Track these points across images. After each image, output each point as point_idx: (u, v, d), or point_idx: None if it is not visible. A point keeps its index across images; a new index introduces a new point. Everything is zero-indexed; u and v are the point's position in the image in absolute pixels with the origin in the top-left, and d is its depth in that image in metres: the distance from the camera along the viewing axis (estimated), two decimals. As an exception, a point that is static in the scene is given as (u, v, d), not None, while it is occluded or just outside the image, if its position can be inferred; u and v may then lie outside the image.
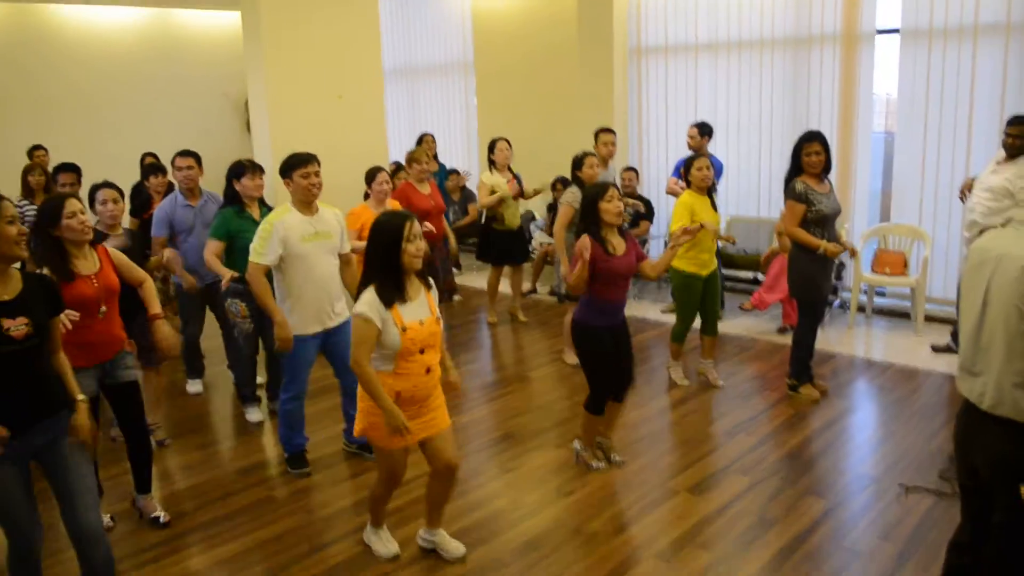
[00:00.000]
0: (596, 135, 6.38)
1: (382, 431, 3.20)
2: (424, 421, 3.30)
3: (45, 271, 3.30)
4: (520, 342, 6.86)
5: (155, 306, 3.84)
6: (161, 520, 4.00)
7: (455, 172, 9.00)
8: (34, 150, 7.80)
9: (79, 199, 3.52)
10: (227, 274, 4.62)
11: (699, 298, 5.36)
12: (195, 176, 5.28)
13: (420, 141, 8.36)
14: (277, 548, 3.77)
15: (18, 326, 2.68)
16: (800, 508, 3.94)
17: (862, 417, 5.14)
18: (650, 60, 8.37)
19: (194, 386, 5.85)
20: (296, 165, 4.12)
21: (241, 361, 5.20)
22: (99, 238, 4.00)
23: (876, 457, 4.53)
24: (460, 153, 10.49)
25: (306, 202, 4.17)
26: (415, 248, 3.12)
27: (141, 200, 6.50)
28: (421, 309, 3.21)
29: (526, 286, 7.98)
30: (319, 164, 4.19)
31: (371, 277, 3.15)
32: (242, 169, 4.84)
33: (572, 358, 5.95)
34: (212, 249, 4.75)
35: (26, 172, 6.08)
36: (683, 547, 3.64)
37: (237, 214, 4.82)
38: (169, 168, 5.57)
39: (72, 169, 5.80)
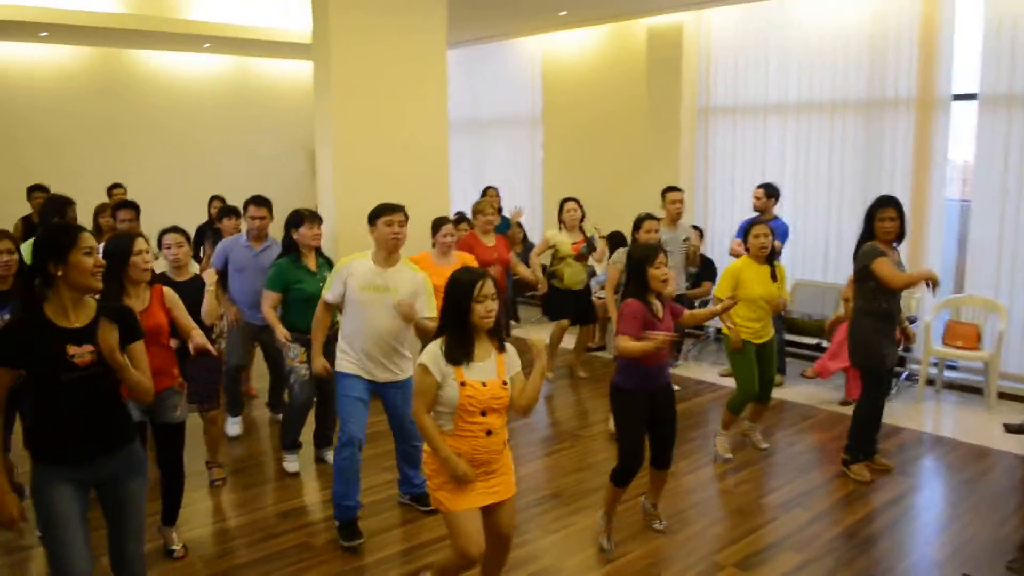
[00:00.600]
0: (663, 194, 6.33)
1: (448, 494, 3.10)
2: (488, 487, 3.15)
3: (124, 302, 3.45)
4: (577, 398, 6.77)
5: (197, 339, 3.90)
6: (175, 554, 4.07)
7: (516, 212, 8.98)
8: (113, 188, 8.09)
9: (144, 238, 3.70)
10: (281, 333, 4.75)
11: (753, 365, 5.15)
12: (266, 226, 5.47)
13: (484, 194, 8.44)
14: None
15: (83, 354, 2.69)
16: (854, 591, 3.74)
17: (927, 497, 4.89)
18: (718, 120, 8.33)
19: (233, 427, 5.83)
20: (381, 213, 4.15)
21: (293, 407, 5.11)
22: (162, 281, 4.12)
23: (940, 541, 4.29)
24: (524, 208, 10.51)
25: (387, 251, 4.16)
26: (485, 309, 3.06)
27: (203, 241, 6.73)
28: (488, 371, 3.11)
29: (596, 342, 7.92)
30: (406, 216, 4.20)
31: (442, 331, 3.14)
32: (300, 219, 4.89)
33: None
34: (269, 301, 4.84)
35: (97, 212, 6.29)
36: (726, 627, 3.49)
37: (293, 263, 4.88)
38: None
39: (131, 207, 5.99)
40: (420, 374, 3.08)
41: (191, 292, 4.38)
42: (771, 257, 5.17)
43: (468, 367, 3.06)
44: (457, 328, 3.08)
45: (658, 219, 5.73)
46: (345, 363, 4.20)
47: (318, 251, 5.06)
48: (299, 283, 4.83)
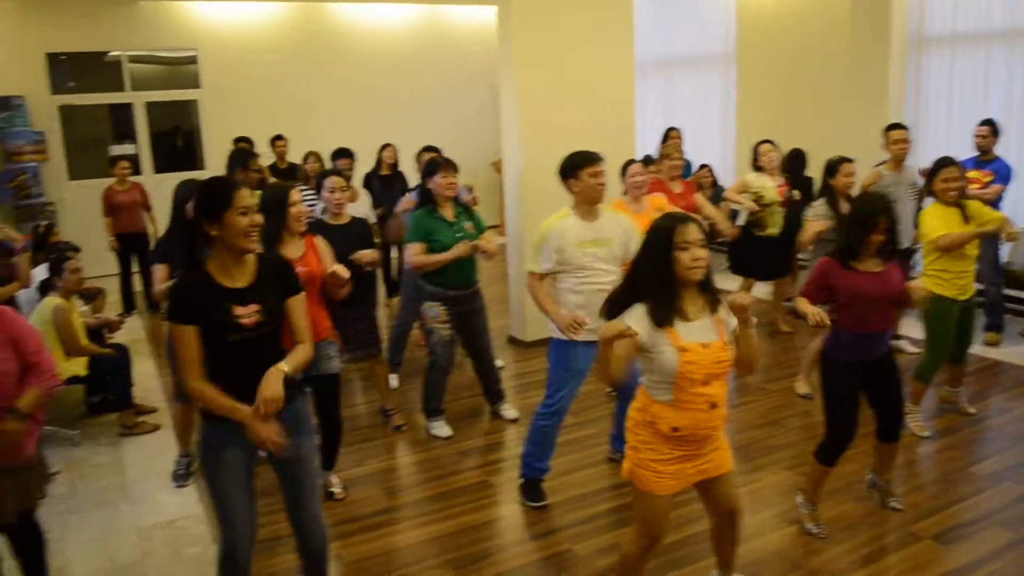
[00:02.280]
0: (886, 132, 5.77)
1: (651, 473, 2.79)
2: (698, 465, 2.82)
3: (279, 251, 3.59)
4: (770, 351, 6.45)
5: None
6: (336, 495, 4.22)
7: (705, 166, 8.64)
8: (276, 140, 8.49)
9: (343, 180, 3.84)
10: (439, 258, 4.59)
11: (953, 328, 4.58)
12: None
13: (666, 136, 8.13)
14: (484, 534, 3.84)
15: (249, 314, 2.66)
16: (1074, 577, 3.37)
17: None
18: (933, 50, 7.56)
19: (392, 382, 5.71)
20: (583, 163, 3.84)
21: (434, 371, 4.93)
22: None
23: None
24: (715, 151, 10.09)
25: (590, 203, 3.89)
26: (690, 257, 2.63)
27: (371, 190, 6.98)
28: (706, 331, 2.72)
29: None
30: (604, 163, 3.91)
31: (642, 291, 2.73)
32: (435, 167, 4.71)
33: (802, 387, 5.45)
34: (415, 251, 4.66)
35: (304, 160, 6.68)
36: (919, 602, 3.25)
37: (429, 214, 4.71)
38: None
39: (348, 154, 6.28)
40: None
41: (348, 236, 4.43)
42: (993, 207, 4.57)
43: (683, 328, 2.68)
44: (660, 283, 2.68)
45: (852, 161, 5.20)
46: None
47: (456, 200, 4.83)
48: (436, 235, 4.65)
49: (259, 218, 2.70)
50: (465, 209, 4.86)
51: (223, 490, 2.76)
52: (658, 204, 5.06)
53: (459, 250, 4.62)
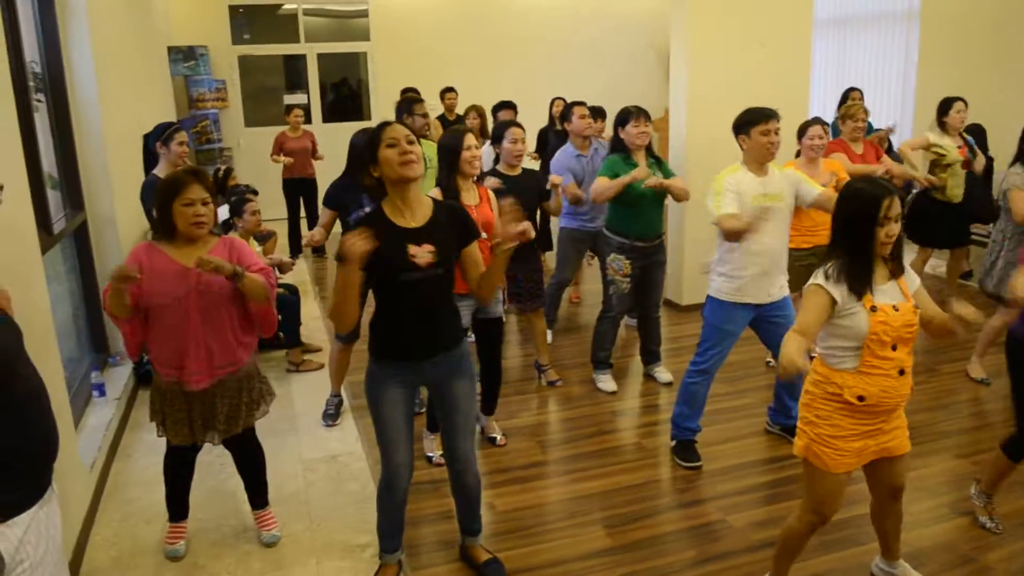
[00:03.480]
0: None
1: (830, 451, 2.68)
2: (881, 443, 2.72)
3: (458, 195, 3.70)
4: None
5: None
6: (497, 441, 4.34)
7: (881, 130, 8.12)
8: (446, 92, 8.59)
9: (477, 135, 3.88)
10: (620, 181, 4.51)
11: None
12: (599, 128, 5.38)
13: (847, 96, 7.68)
14: (636, 496, 3.83)
15: (424, 253, 2.68)
16: None
17: None
18: None
19: (548, 337, 5.63)
20: (756, 121, 3.77)
21: (606, 321, 4.99)
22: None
23: None
24: (893, 113, 9.49)
25: (761, 162, 3.82)
26: (887, 233, 2.55)
27: (548, 143, 6.94)
28: (894, 294, 2.63)
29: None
30: (778, 121, 3.83)
31: (835, 254, 2.65)
32: (627, 116, 4.64)
33: (978, 371, 5.08)
34: (599, 182, 4.63)
35: (464, 115, 6.78)
36: (1109, 612, 3.00)
37: (624, 160, 4.64)
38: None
39: (511, 106, 6.31)
40: (814, 290, 2.61)
41: (522, 187, 4.47)
42: None
43: (874, 290, 2.61)
44: (857, 252, 2.59)
45: None
46: (728, 288, 3.89)
47: (648, 150, 4.74)
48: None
49: (416, 148, 2.68)
50: (657, 160, 4.80)
51: (387, 421, 2.88)
52: (833, 167, 4.84)
53: (640, 173, 4.51)
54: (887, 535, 3.07)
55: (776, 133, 3.78)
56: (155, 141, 4.95)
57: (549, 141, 7.20)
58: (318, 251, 8.37)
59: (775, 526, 3.37)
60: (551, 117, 7.60)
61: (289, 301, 5.46)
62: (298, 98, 10.59)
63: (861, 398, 2.62)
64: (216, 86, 10.06)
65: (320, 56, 10.78)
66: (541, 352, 5.23)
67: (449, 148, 3.85)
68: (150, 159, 5.10)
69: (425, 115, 5.74)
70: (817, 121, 4.87)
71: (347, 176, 4.37)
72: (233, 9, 10.32)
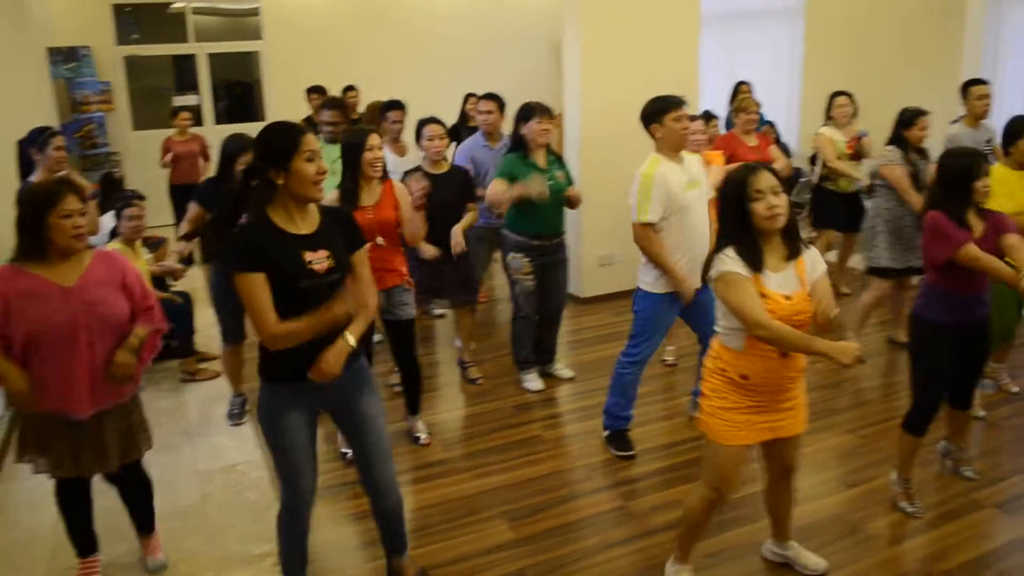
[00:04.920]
0: (966, 88, 5.53)
1: (721, 422, 2.76)
2: (773, 421, 2.77)
3: (357, 196, 3.65)
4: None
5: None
6: (422, 440, 4.31)
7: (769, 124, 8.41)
8: (347, 91, 8.48)
9: (381, 135, 3.87)
10: (514, 191, 4.45)
11: (1014, 300, 4.16)
12: (495, 120, 5.39)
13: (736, 90, 7.93)
14: (539, 488, 3.87)
15: (320, 259, 2.54)
16: None
17: None
18: (1015, 4, 7.20)
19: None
20: (668, 108, 3.77)
21: (518, 322, 4.93)
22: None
23: None
24: (780, 106, 9.81)
25: (677, 148, 3.84)
26: (765, 207, 2.58)
27: (460, 139, 6.89)
28: (789, 281, 2.66)
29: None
30: (688, 107, 3.87)
31: (725, 239, 2.70)
32: (530, 112, 4.56)
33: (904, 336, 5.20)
34: (495, 186, 4.52)
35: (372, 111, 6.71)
36: (978, 572, 3.18)
37: (522, 160, 4.55)
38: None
39: (400, 106, 6.23)
40: (736, 279, 2.60)
41: (448, 185, 4.48)
42: None
43: (767, 277, 2.63)
44: (739, 234, 2.64)
45: (928, 114, 5.01)
46: (655, 282, 3.89)
47: (549, 148, 4.72)
48: (525, 180, 4.48)
49: (325, 165, 2.58)
50: (557, 158, 4.77)
51: (289, 445, 2.68)
52: (709, 159, 4.92)
53: (533, 188, 4.44)
54: (779, 517, 3.18)
55: (688, 119, 3.82)
56: (31, 147, 4.73)
57: (461, 138, 7.18)
58: (187, 261, 8.09)
59: (675, 509, 3.46)
60: (463, 114, 7.57)
61: (181, 309, 5.29)
62: (189, 100, 10.27)
63: (745, 376, 2.70)
64: (101, 88, 9.65)
65: (211, 56, 10.47)
66: (465, 349, 5.21)
67: (352, 147, 3.78)
68: (26, 166, 4.87)
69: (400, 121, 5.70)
70: (695, 117, 5.00)
71: (218, 179, 4.28)
72: (118, 8, 9.92)
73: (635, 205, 3.80)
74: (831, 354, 2.50)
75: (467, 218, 4.68)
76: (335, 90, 8.59)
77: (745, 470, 3.07)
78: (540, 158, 4.61)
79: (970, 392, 3.62)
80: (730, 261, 2.62)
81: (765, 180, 2.59)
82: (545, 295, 4.86)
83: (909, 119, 5.00)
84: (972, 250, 3.19)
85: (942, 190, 3.36)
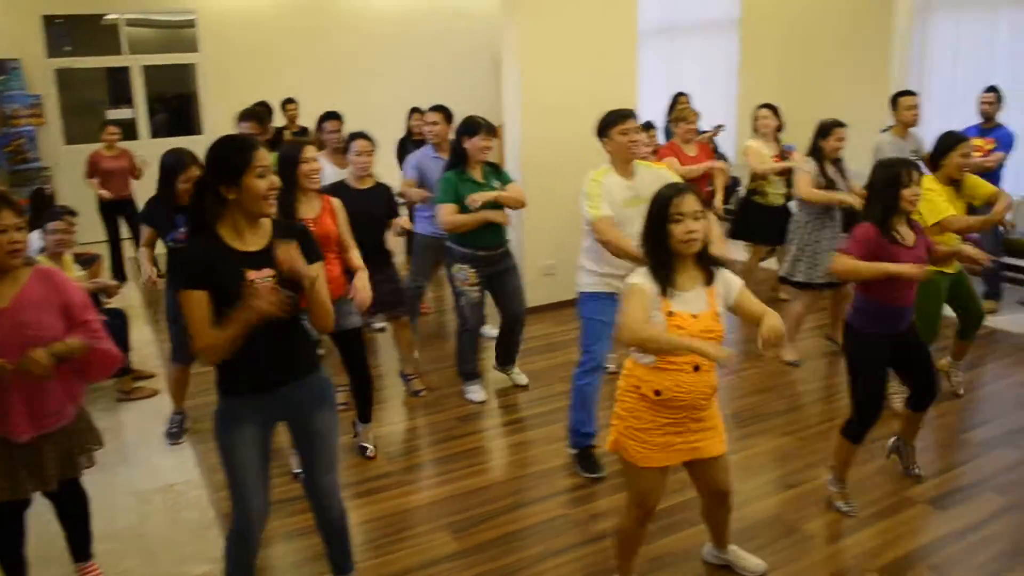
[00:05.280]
0: (895, 99, 5.71)
1: (637, 444, 2.78)
2: (689, 443, 2.78)
3: (295, 209, 3.60)
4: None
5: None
6: (368, 453, 4.27)
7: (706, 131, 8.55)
8: (287, 103, 8.44)
9: (331, 147, 3.84)
10: (473, 218, 4.49)
11: (940, 303, 4.37)
12: (442, 131, 5.40)
13: (675, 101, 8.05)
14: (483, 498, 3.87)
15: (264, 278, 2.48)
16: (1067, 543, 3.39)
17: None
18: (939, 15, 7.47)
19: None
20: (614, 122, 3.80)
21: (465, 333, 4.91)
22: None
23: None
24: (717, 116, 9.96)
25: (625, 162, 3.85)
26: (683, 230, 2.61)
27: (407, 154, 6.88)
28: (698, 302, 2.69)
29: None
30: (637, 120, 3.90)
31: (646, 257, 2.74)
32: (475, 128, 4.57)
33: (790, 354, 5.42)
34: (448, 211, 4.53)
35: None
36: (912, 566, 3.26)
37: (459, 176, 4.56)
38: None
39: (337, 117, 6.20)
40: (634, 291, 2.66)
41: (373, 200, 4.47)
42: (994, 174, 4.47)
43: (674, 297, 2.66)
44: (656, 251, 2.68)
45: (845, 125, 5.15)
46: (595, 282, 3.93)
47: (488, 163, 4.72)
48: (466, 196, 4.51)
49: (278, 180, 2.55)
50: (494, 169, 4.76)
51: (242, 464, 2.63)
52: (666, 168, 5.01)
53: (492, 215, 4.53)
54: (716, 529, 3.22)
55: (636, 132, 3.83)
56: None
57: (408, 152, 7.14)
58: (120, 278, 7.92)
59: (615, 515, 3.48)
60: (409, 128, 7.54)
61: (115, 327, 5.16)
62: (123, 113, 10.07)
63: (658, 392, 2.70)
64: (31, 102, 9.42)
65: (146, 68, 10.29)
66: (406, 361, 5.18)
67: (288, 160, 3.76)
68: None
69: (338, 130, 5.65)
70: (646, 125, 5.09)
71: (160, 195, 4.21)
72: (49, 19, 9.69)
73: (587, 207, 3.80)
74: (703, 351, 2.51)
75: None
76: (274, 102, 8.54)
77: (673, 479, 3.10)
78: (477, 172, 4.63)
79: (927, 394, 3.69)
80: (638, 275, 2.69)
81: (688, 204, 2.62)
82: (502, 303, 4.88)
83: (825, 130, 5.11)
84: (840, 262, 3.36)
85: (871, 198, 3.48)
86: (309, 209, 3.82)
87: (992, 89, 6.16)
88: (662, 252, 2.67)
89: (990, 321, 6.03)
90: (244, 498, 2.67)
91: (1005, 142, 6.04)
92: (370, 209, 4.41)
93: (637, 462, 2.79)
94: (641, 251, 2.78)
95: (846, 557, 3.36)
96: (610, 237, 3.72)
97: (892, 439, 4.01)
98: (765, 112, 6.15)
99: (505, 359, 5.21)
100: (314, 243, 2.72)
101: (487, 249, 4.70)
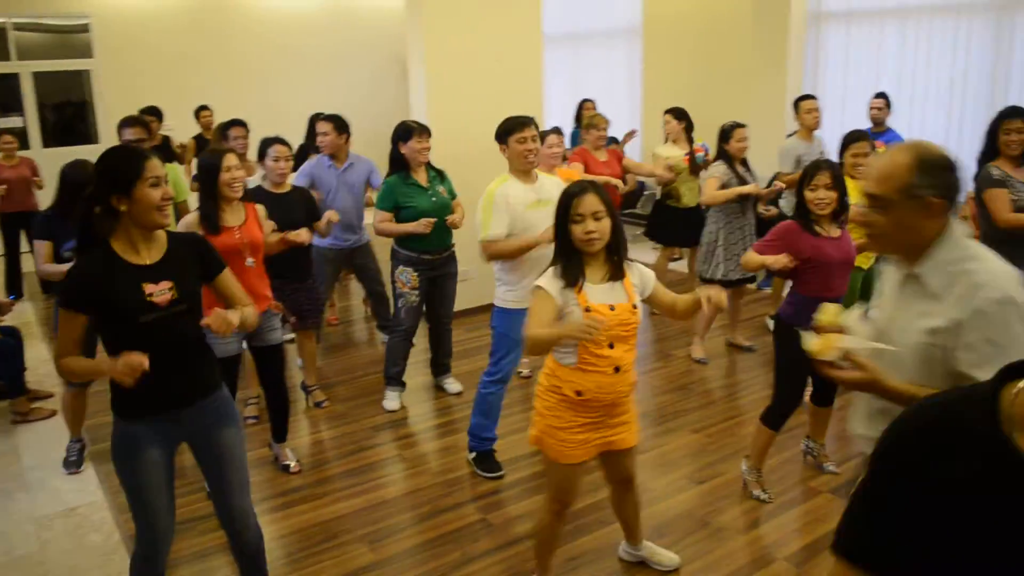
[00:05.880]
0: (797, 103, 5.94)
1: (556, 442, 2.82)
2: (605, 437, 2.85)
3: (197, 230, 3.49)
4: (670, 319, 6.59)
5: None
6: (291, 468, 4.19)
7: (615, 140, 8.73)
8: (201, 110, 8.25)
9: (237, 154, 3.76)
10: (403, 228, 4.51)
11: (856, 297, 4.49)
12: (331, 142, 5.25)
13: (581, 107, 8.19)
14: (398, 508, 3.84)
15: (162, 291, 2.43)
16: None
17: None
18: (831, 25, 7.81)
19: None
20: (512, 130, 3.84)
21: (397, 334, 4.87)
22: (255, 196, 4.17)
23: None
24: (623, 123, 10.19)
25: (524, 170, 3.89)
26: (582, 230, 2.67)
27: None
28: (615, 294, 2.74)
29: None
30: (537, 128, 3.94)
31: (556, 256, 2.80)
32: (408, 131, 4.59)
33: (699, 352, 5.59)
34: (382, 218, 4.57)
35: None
36: (818, 553, 3.40)
37: (403, 181, 4.59)
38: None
39: (242, 124, 6.07)
40: (539, 295, 2.71)
41: (289, 205, 4.40)
42: None
43: (591, 289, 2.72)
44: (566, 249, 2.75)
45: (745, 126, 5.34)
46: (512, 298, 3.90)
47: (429, 165, 4.74)
48: (410, 201, 4.55)
49: (171, 190, 2.52)
50: (439, 174, 4.76)
51: (146, 486, 2.55)
52: (567, 176, 5.09)
53: (419, 227, 4.48)
54: (628, 522, 3.29)
55: (534, 140, 3.88)
56: None
57: (306, 158, 7.02)
58: (15, 295, 7.59)
59: (531, 518, 3.51)
60: (310, 134, 7.41)
61: (9, 346, 4.93)
62: (12, 122, 9.60)
63: (579, 393, 2.74)
64: (-90, 110, 8.91)
65: (37, 75, 9.85)
66: (309, 372, 5.09)
67: (208, 169, 3.66)
68: None
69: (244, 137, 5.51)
70: (554, 130, 5.16)
71: (57, 208, 4.05)
72: (-72, 24, 9.20)
73: (479, 224, 3.87)
74: (575, 334, 2.55)
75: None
76: (174, 109, 8.32)
77: (587, 478, 3.16)
78: (421, 176, 4.65)
79: (832, 390, 3.86)
80: (545, 277, 2.74)
81: (587, 204, 2.67)
82: (432, 306, 4.88)
83: (726, 133, 5.31)
84: (747, 257, 3.63)
85: (797, 195, 3.70)
86: (235, 218, 3.74)
87: (881, 95, 6.48)
88: (572, 249, 2.72)
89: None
90: (149, 520, 2.59)
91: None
92: (290, 215, 4.33)
93: (556, 459, 2.83)
94: (556, 251, 2.81)
95: (757, 547, 3.47)
96: (497, 253, 3.80)
97: (803, 442, 4.16)
98: (667, 117, 6.33)
99: (439, 368, 5.21)
100: (213, 251, 2.70)
101: (431, 253, 4.69)
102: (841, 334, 2.05)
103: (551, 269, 2.77)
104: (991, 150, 4.33)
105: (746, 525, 3.63)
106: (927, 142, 1.99)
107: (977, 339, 1.83)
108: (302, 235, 4.14)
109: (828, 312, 2.15)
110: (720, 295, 2.75)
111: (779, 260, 3.57)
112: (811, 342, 2.08)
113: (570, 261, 2.73)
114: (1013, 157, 4.27)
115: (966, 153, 6.65)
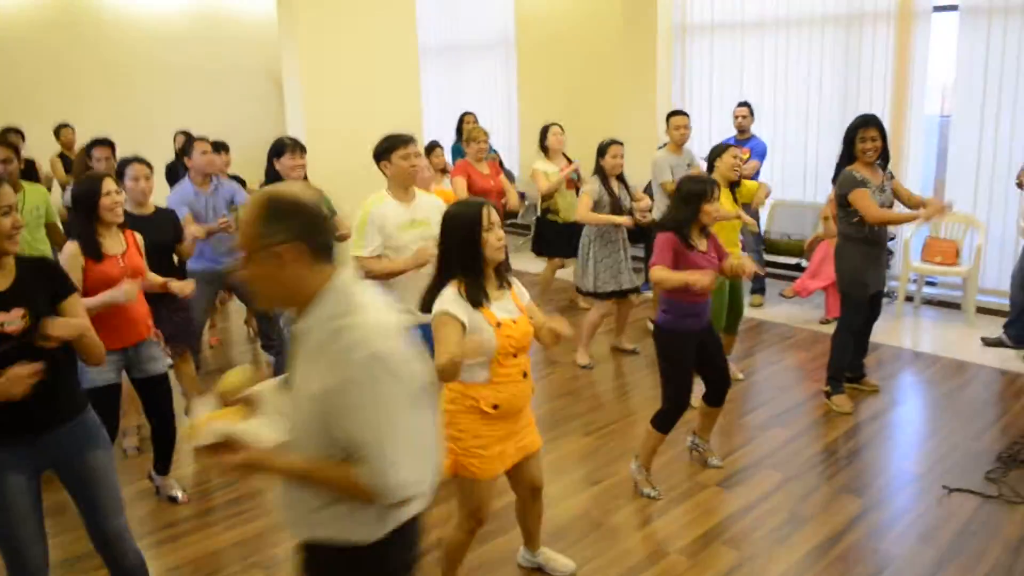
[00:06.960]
0: (668, 118, 6.12)
1: (477, 460, 2.82)
2: (518, 443, 2.92)
3: (44, 253, 3.32)
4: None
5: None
6: (179, 499, 4.02)
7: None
8: (61, 128, 7.87)
9: (113, 177, 3.59)
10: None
11: (724, 298, 4.84)
12: (212, 161, 5.11)
13: (462, 121, 8.22)
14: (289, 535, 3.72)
15: (13, 320, 2.39)
16: (835, 507, 3.78)
17: (906, 412, 4.93)
18: (695, 37, 8.15)
19: None
20: (395, 146, 3.80)
21: (284, 355, 4.69)
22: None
23: (919, 455, 4.34)
24: (500, 134, 10.31)
25: (405, 186, 3.87)
26: (496, 238, 2.72)
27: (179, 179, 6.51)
28: (510, 307, 2.81)
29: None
30: (417, 145, 3.92)
31: (450, 275, 2.77)
32: (282, 148, 4.56)
33: (583, 358, 5.71)
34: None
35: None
36: (709, 544, 3.52)
37: None
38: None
39: (107, 144, 5.78)
40: (446, 320, 2.66)
41: (156, 226, 4.22)
42: (753, 178, 5.04)
43: (493, 306, 2.74)
44: (469, 266, 2.73)
45: (621, 143, 5.50)
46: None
47: (306, 180, 4.67)
48: None
49: (21, 218, 2.48)
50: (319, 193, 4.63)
51: (11, 513, 2.46)
52: (446, 197, 5.03)
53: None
54: (529, 529, 3.33)
55: (416, 156, 3.87)
56: None
57: (179, 176, 6.75)
58: None
59: (436, 528, 3.47)
60: (177, 152, 7.16)
61: None
62: None
63: (496, 406, 2.78)
64: None
65: None
66: (189, 398, 4.86)
67: (87, 195, 3.46)
68: None
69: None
70: (430, 145, 5.17)
71: None
72: None
73: (352, 244, 3.83)
74: (469, 355, 2.63)
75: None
76: (32, 126, 7.87)
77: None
78: None
79: (723, 389, 3.99)
80: (448, 301, 2.70)
81: (494, 214, 2.75)
82: None
83: (603, 149, 5.43)
84: (656, 272, 3.64)
85: (675, 208, 3.79)
86: (115, 244, 3.55)
87: (744, 104, 6.80)
88: (476, 263, 2.72)
89: (758, 313, 6.65)
90: (19, 550, 2.50)
91: (758, 151, 6.68)
92: (156, 236, 4.14)
93: (482, 476, 2.84)
94: (444, 272, 2.80)
95: (650, 542, 3.57)
96: (369, 271, 3.74)
97: (689, 438, 4.29)
98: (556, 129, 6.45)
99: None
100: (63, 275, 2.65)
101: None
102: (226, 413, 1.84)
103: (449, 291, 2.73)
104: (848, 155, 4.61)
105: (639, 522, 3.72)
106: (279, 187, 1.85)
107: (353, 402, 1.69)
108: (185, 289, 3.97)
109: (230, 379, 1.92)
110: (561, 326, 2.85)
111: (704, 278, 3.53)
112: (188, 423, 1.91)
113: (476, 278, 2.74)
114: (869, 163, 4.55)
115: (824, 156, 7.12)
